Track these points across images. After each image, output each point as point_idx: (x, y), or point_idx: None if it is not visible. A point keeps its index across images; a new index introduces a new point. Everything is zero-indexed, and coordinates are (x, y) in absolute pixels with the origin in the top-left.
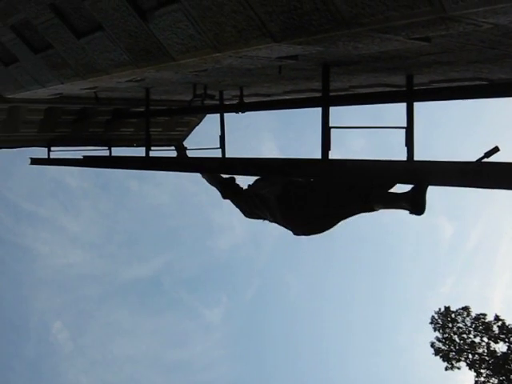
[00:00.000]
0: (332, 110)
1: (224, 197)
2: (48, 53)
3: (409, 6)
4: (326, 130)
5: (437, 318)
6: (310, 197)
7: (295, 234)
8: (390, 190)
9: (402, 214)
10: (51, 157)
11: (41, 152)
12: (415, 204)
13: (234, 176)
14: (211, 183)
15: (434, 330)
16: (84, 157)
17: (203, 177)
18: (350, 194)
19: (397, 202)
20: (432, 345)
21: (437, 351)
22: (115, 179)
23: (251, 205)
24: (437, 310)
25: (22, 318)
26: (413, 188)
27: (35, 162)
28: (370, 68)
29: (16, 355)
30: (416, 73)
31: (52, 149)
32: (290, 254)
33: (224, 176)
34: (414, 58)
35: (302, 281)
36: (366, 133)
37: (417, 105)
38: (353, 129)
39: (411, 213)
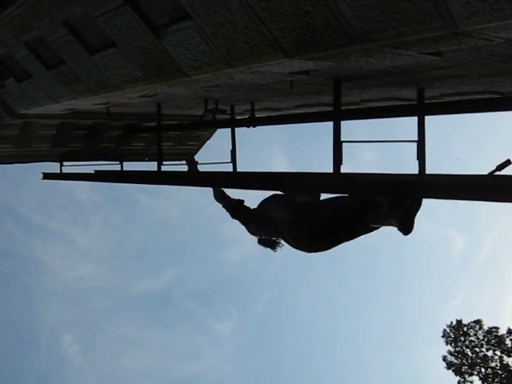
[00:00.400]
0: (343, 123)
1: (233, 217)
2: (61, 69)
3: (420, 22)
4: (337, 145)
5: (449, 331)
6: (319, 221)
7: (307, 252)
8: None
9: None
10: (63, 171)
11: (53, 166)
12: (404, 225)
13: (243, 199)
14: (222, 205)
15: (446, 344)
16: (96, 171)
17: (215, 198)
18: (352, 216)
19: (389, 220)
20: (444, 358)
21: (449, 365)
22: (125, 193)
23: (260, 227)
24: (449, 323)
25: (32, 332)
26: (404, 209)
27: (47, 176)
28: (381, 82)
29: (27, 368)
30: (427, 86)
31: (64, 163)
32: (301, 266)
33: (233, 198)
34: (425, 72)
35: (312, 294)
36: (377, 146)
37: (428, 118)
38: (364, 143)
39: (399, 230)
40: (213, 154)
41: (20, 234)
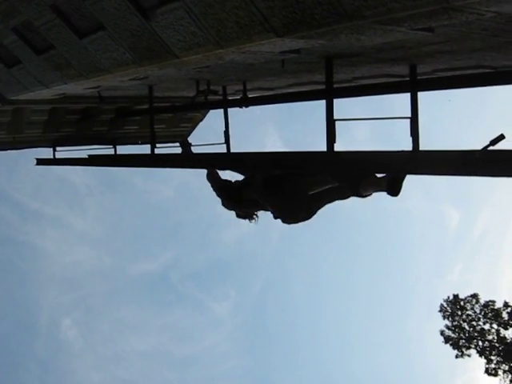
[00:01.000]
0: (336, 101)
1: (218, 195)
2: (50, 54)
3: None
4: (330, 123)
5: (446, 306)
6: (294, 183)
7: (284, 221)
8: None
9: (408, 204)
10: (56, 157)
11: (46, 152)
12: (393, 187)
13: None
14: (209, 179)
15: (444, 318)
16: (89, 156)
17: (207, 178)
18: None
19: (379, 186)
20: (442, 333)
21: (446, 339)
22: (120, 176)
23: (244, 205)
24: (445, 298)
25: (31, 317)
26: (392, 175)
27: (41, 162)
28: (372, 59)
29: (26, 354)
30: (419, 62)
31: (57, 149)
32: (296, 246)
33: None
34: (416, 48)
35: (308, 272)
36: (371, 123)
37: (421, 94)
38: (358, 120)
39: (388, 194)
40: (206, 135)
41: (15, 220)
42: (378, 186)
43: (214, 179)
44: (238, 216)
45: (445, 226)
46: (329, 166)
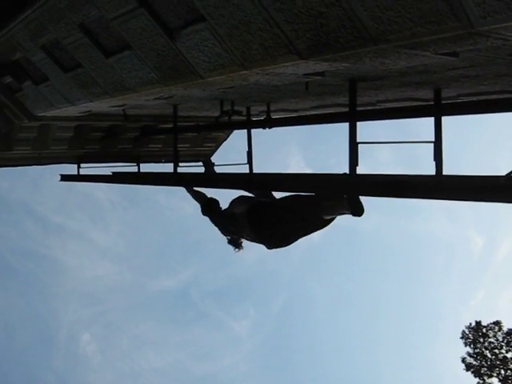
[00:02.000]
0: (359, 123)
1: (203, 213)
2: (77, 72)
3: (436, 22)
4: (353, 146)
5: (468, 332)
6: (276, 215)
7: (268, 248)
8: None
9: (432, 228)
10: (81, 173)
11: (70, 168)
12: (354, 208)
13: (217, 199)
14: (195, 198)
15: (465, 345)
16: (113, 173)
17: (188, 191)
18: (308, 212)
19: (340, 209)
20: (463, 360)
21: (468, 366)
22: (143, 192)
23: (228, 225)
24: (467, 324)
25: (51, 330)
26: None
27: (65, 178)
28: (397, 83)
29: (44, 367)
30: (444, 87)
31: (81, 165)
32: (317, 266)
33: (207, 196)
34: (441, 72)
35: (329, 293)
36: (394, 145)
37: (445, 119)
38: (381, 144)
39: (354, 215)
40: (229, 154)
41: (39, 234)
42: (336, 211)
43: (194, 192)
44: (229, 242)
45: (468, 251)
46: (351, 189)
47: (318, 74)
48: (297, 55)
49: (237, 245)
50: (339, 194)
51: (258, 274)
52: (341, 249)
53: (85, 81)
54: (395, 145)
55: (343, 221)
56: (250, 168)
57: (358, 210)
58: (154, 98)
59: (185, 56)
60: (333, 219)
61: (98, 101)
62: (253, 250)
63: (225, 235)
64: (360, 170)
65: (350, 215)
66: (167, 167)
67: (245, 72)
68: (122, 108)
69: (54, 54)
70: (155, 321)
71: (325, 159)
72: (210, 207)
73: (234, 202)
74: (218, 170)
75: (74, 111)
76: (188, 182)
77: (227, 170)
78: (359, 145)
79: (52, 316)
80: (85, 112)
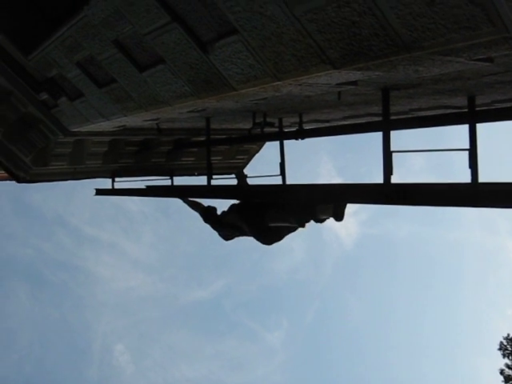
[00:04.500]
0: (392, 133)
1: (205, 221)
2: (112, 87)
3: (470, 28)
4: (387, 155)
5: (505, 343)
6: (265, 212)
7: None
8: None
9: (468, 236)
10: (115, 187)
11: (104, 181)
12: (336, 215)
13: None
14: (193, 208)
15: (504, 357)
16: (147, 187)
17: (184, 202)
18: (297, 212)
19: (328, 212)
20: (501, 372)
21: (506, 379)
22: (175, 203)
23: (228, 228)
24: (505, 335)
25: (85, 341)
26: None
27: (100, 192)
28: (430, 90)
29: (79, 378)
30: (478, 93)
31: (116, 179)
32: (350, 275)
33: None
34: (475, 78)
35: (364, 303)
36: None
37: (480, 126)
38: (415, 152)
39: (334, 219)
40: (262, 166)
41: (73, 246)
42: (327, 213)
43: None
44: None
45: (505, 260)
46: (386, 199)
47: (350, 83)
48: (330, 65)
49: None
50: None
51: (289, 285)
52: (374, 257)
53: (119, 95)
54: (429, 153)
55: (374, 228)
56: (283, 179)
57: (340, 217)
58: (188, 111)
59: (218, 68)
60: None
61: (132, 115)
62: (283, 259)
63: (225, 239)
64: (394, 179)
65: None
66: (200, 180)
67: (278, 83)
68: (155, 122)
69: (88, 69)
70: (188, 331)
71: (356, 168)
72: (209, 215)
73: (230, 208)
74: (250, 181)
75: (108, 126)
76: (221, 193)
77: (260, 181)
78: (394, 154)
79: (85, 327)
80: (119, 126)
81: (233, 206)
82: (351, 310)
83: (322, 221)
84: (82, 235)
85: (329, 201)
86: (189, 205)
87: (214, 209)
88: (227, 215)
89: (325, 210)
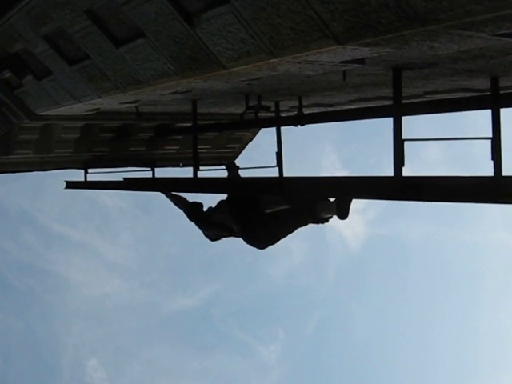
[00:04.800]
0: (404, 118)
1: (190, 219)
2: (84, 64)
3: None
4: (398, 143)
5: None
6: (259, 211)
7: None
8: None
9: (491, 237)
10: (88, 179)
11: (76, 173)
12: (341, 212)
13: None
14: (176, 205)
15: None
16: (124, 179)
17: (167, 196)
18: (296, 209)
19: (330, 210)
20: None
21: None
22: (157, 199)
23: (215, 228)
24: None
25: (54, 355)
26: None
27: (71, 185)
28: (447, 71)
29: None
30: (502, 74)
31: (89, 170)
32: (356, 281)
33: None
34: (499, 57)
35: (371, 312)
36: (444, 143)
37: (504, 111)
38: (430, 140)
39: (338, 217)
40: (256, 156)
41: (40, 246)
42: (330, 210)
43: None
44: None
45: None
46: (396, 194)
47: (357, 61)
48: (333, 40)
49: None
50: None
51: (287, 292)
52: (383, 261)
53: (93, 74)
54: (446, 142)
55: (384, 228)
56: (280, 171)
57: (345, 215)
58: (171, 93)
59: (205, 43)
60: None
61: (108, 96)
62: (280, 262)
63: (210, 239)
64: (406, 172)
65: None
66: (185, 172)
67: (274, 60)
68: (134, 105)
69: (57, 44)
70: (171, 345)
71: (363, 159)
72: (194, 211)
73: (219, 205)
74: (243, 173)
75: (80, 109)
76: (209, 187)
77: (254, 173)
78: (405, 142)
79: (54, 339)
80: (93, 110)
81: (221, 202)
82: (357, 320)
83: (323, 221)
84: (50, 234)
85: (332, 196)
86: (172, 200)
87: (200, 205)
88: (214, 213)
89: (327, 208)
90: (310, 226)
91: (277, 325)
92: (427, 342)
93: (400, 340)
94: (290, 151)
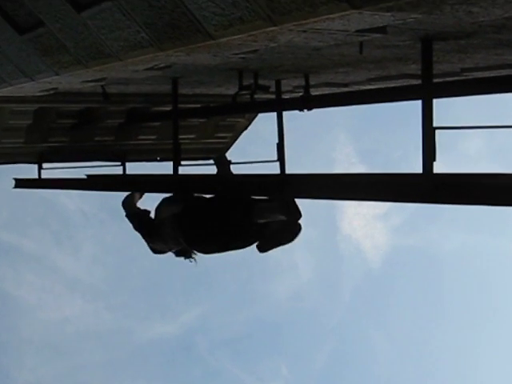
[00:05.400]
0: (436, 101)
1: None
2: (38, 33)
3: None
4: (428, 132)
5: None
6: (209, 219)
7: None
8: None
9: None
10: (43, 176)
11: (28, 169)
12: (290, 213)
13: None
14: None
15: None
16: (88, 176)
17: (124, 203)
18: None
19: (274, 212)
20: None
21: None
22: None
23: (157, 238)
24: None
25: None
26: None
27: (21, 184)
28: (489, 42)
29: None
30: None
31: (44, 165)
32: (378, 304)
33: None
34: None
35: (394, 342)
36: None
37: None
38: (468, 129)
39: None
40: (252, 148)
41: None
42: (273, 213)
43: (132, 206)
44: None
45: None
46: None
47: (376, 30)
48: (346, 3)
49: (185, 253)
50: (275, 197)
51: (291, 317)
52: (410, 278)
53: (48, 45)
54: (488, 131)
55: (411, 237)
56: (282, 167)
57: (297, 215)
58: (146, 69)
59: (188, 7)
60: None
61: (67, 73)
62: (283, 280)
63: (153, 252)
64: (438, 168)
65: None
66: (164, 167)
67: (273, 29)
68: (100, 84)
69: (4, 8)
70: (147, 381)
71: (385, 152)
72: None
73: (160, 209)
74: (235, 169)
75: (33, 89)
76: (193, 187)
77: (249, 169)
78: (437, 131)
79: (1, 375)
80: (48, 90)
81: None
82: (377, 352)
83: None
84: None
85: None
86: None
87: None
88: (164, 219)
89: (266, 212)
90: (321, 233)
91: (279, 358)
92: (468, 378)
93: (432, 376)
94: (294, 142)
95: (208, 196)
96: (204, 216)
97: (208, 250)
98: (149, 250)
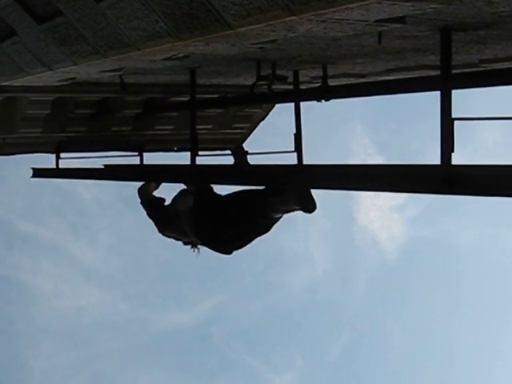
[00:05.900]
0: (455, 92)
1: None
2: (56, 22)
3: None
4: (447, 124)
5: None
6: (220, 216)
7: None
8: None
9: None
10: (60, 166)
11: (46, 159)
12: (305, 204)
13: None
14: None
15: None
16: (105, 166)
17: (139, 191)
18: (250, 214)
19: (288, 205)
20: None
21: None
22: None
23: (169, 227)
24: None
25: (17, 381)
26: (295, 189)
27: (39, 173)
28: (509, 33)
29: None
30: None
31: (61, 155)
32: (394, 295)
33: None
34: None
35: (410, 334)
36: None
37: None
38: (486, 120)
39: (304, 211)
40: (270, 139)
41: (0, 248)
42: (287, 206)
43: (147, 194)
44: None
45: None
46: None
47: (396, 20)
48: None
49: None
50: (287, 188)
51: (307, 308)
52: (426, 270)
53: (66, 35)
54: (507, 123)
55: (428, 229)
56: (300, 157)
57: (311, 206)
58: (164, 59)
59: None
60: (279, 218)
61: (85, 63)
62: (298, 271)
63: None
64: (455, 159)
65: (301, 212)
66: (181, 157)
67: (292, 18)
68: (118, 74)
69: None
70: (161, 371)
71: (403, 143)
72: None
73: (177, 199)
74: (252, 160)
75: (51, 79)
76: (210, 177)
77: (267, 160)
78: (455, 122)
79: (17, 363)
80: (66, 80)
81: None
82: (394, 343)
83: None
84: (13, 233)
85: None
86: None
87: (164, 200)
88: (180, 212)
89: (280, 205)
90: (337, 224)
91: (293, 348)
92: (486, 371)
93: (450, 369)
94: (311, 132)
95: (223, 194)
96: (219, 217)
97: (225, 250)
98: (160, 236)
